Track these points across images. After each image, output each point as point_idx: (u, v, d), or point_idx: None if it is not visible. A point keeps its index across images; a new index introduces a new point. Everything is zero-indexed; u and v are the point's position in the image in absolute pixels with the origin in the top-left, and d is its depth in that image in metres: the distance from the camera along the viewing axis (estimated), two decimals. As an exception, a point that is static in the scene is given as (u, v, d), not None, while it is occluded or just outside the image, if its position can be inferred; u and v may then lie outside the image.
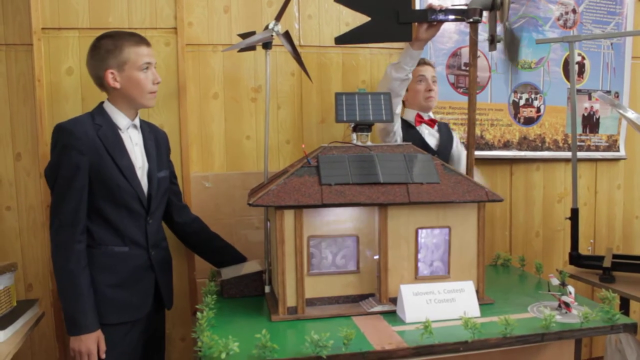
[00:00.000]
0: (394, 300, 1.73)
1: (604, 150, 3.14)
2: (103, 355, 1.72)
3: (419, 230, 1.75)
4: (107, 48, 1.77)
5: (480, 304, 1.71)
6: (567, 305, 1.66)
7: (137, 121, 1.87)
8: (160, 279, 1.87)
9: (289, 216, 1.67)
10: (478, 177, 2.46)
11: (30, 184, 2.32)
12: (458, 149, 2.56)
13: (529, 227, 3.06)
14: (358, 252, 1.77)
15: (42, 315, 2.02)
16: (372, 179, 1.71)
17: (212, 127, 2.53)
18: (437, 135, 2.50)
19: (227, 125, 2.55)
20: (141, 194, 1.80)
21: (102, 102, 1.85)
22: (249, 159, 2.58)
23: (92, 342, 1.69)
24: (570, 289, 1.70)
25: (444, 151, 2.44)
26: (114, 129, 1.79)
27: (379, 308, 1.71)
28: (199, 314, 1.59)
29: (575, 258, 2.41)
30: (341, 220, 1.75)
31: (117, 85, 1.78)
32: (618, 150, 3.16)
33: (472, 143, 2.10)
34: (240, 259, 2.14)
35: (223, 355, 1.36)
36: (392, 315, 1.68)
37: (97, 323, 1.70)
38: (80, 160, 1.69)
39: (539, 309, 1.70)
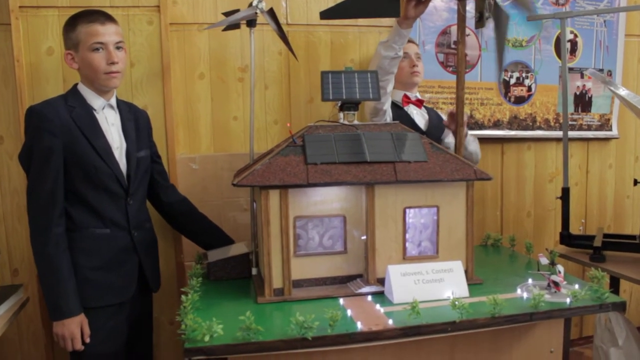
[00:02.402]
0: (382, 281, 1.70)
1: (596, 130, 3.11)
2: (87, 340, 1.70)
3: (407, 210, 1.73)
4: (66, 28, 1.75)
5: (469, 284, 1.69)
6: (556, 284, 1.64)
7: (113, 101, 1.82)
8: (144, 260, 1.84)
9: (274, 196, 1.64)
10: (475, 144, 2.42)
11: (13, 168, 2.27)
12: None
13: (520, 207, 3.04)
14: (345, 233, 1.74)
15: (27, 300, 1.99)
16: (358, 158, 1.68)
17: (198, 108, 2.48)
18: (426, 116, 2.47)
19: (214, 106, 2.50)
20: (119, 175, 1.76)
21: (76, 84, 1.80)
22: (236, 140, 2.54)
23: (75, 326, 1.66)
24: (560, 268, 1.68)
25: (433, 132, 2.41)
26: (88, 110, 1.74)
27: (366, 289, 1.69)
28: (183, 297, 1.56)
29: (566, 237, 2.40)
30: (328, 200, 1.72)
31: (75, 66, 1.76)
32: (610, 130, 3.14)
33: (460, 121, 2.06)
34: (228, 241, 2.11)
35: (206, 338, 1.34)
36: (380, 297, 1.66)
37: (79, 307, 1.67)
38: (53, 142, 1.65)
39: (528, 289, 1.69)
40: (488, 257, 2.16)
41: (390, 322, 1.44)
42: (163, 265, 2.26)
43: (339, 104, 1.84)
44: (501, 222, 3.02)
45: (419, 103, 2.44)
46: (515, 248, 2.25)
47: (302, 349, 1.37)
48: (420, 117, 2.43)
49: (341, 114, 1.84)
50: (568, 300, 1.57)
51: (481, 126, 2.89)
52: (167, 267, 2.28)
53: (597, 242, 2.23)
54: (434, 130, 2.40)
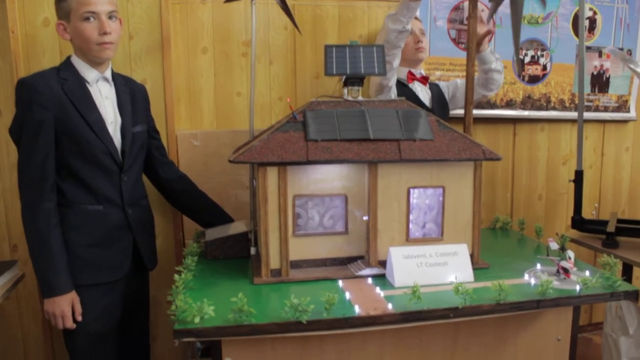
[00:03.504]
0: (383, 264, 1.64)
1: (613, 111, 3.00)
2: (79, 318, 1.66)
3: (411, 190, 1.65)
4: None
5: (474, 269, 1.62)
6: (565, 270, 1.56)
7: (107, 74, 1.75)
8: (139, 239, 1.79)
9: (272, 173, 1.58)
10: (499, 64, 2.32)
11: (12, 142, 2.22)
12: (457, 86, 2.44)
13: (531, 189, 2.95)
14: (346, 213, 1.68)
15: (22, 276, 1.96)
16: (361, 135, 1.60)
17: (200, 83, 2.42)
18: (429, 93, 2.38)
19: (217, 81, 2.44)
20: (113, 150, 1.70)
21: (70, 56, 1.74)
22: (239, 116, 2.48)
23: (66, 304, 1.62)
24: (570, 253, 1.60)
25: (437, 110, 2.32)
26: (81, 82, 1.68)
27: (367, 271, 1.62)
28: (176, 276, 1.51)
29: (578, 222, 2.31)
30: (329, 178, 1.66)
31: (67, 36, 1.69)
32: (628, 111, 3.02)
33: (470, 99, 1.97)
34: (227, 219, 2.06)
35: (197, 320, 1.29)
36: (381, 279, 1.60)
37: (70, 284, 1.63)
38: (44, 115, 1.59)
39: (536, 274, 1.61)
40: (496, 240, 2.09)
41: (390, 306, 1.38)
42: (162, 242, 2.22)
43: (343, 79, 1.76)
44: (511, 205, 2.93)
45: (424, 80, 2.35)
46: (525, 232, 2.17)
47: (297, 332, 1.32)
48: (424, 94, 2.34)
49: (345, 90, 1.77)
50: (577, 287, 1.50)
51: (493, 106, 2.80)
52: (166, 245, 2.23)
53: (611, 228, 2.14)
54: (437, 107, 2.31)
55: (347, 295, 1.46)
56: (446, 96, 2.42)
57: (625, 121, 3.05)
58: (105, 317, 1.73)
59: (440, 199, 1.68)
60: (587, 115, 2.88)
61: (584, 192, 2.72)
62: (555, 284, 1.52)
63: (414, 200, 1.68)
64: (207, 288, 1.56)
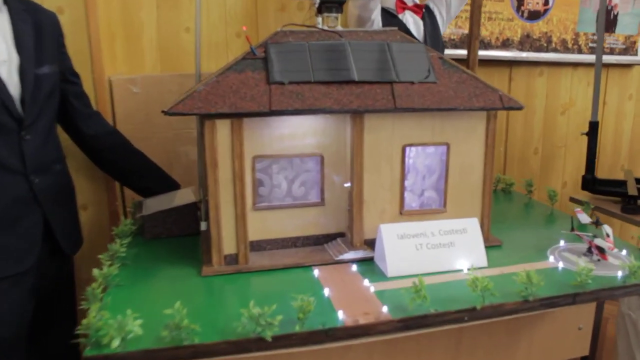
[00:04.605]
0: (371, 243, 1.27)
1: (619, 54, 2.65)
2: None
3: (407, 148, 1.27)
4: None
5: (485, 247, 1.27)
6: (601, 251, 1.23)
7: None
8: (51, 215, 1.36)
9: (222, 129, 1.17)
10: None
11: None
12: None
13: (527, 142, 2.61)
14: (322, 178, 1.30)
15: None
16: (342, 76, 1.20)
17: (140, 16, 1.96)
18: (421, 27, 1.95)
19: (161, 14, 1.99)
20: (7, 99, 1.25)
21: None
22: (189, 57, 2.04)
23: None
24: (607, 229, 1.26)
25: (432, 44, 1.91)
26: None
27: (350, 255, 1.26)
28: (95, 272, 1.12)
29: (590, 182, 1.98)
30: (299, 133, 1.26)
31: None
32: (635, 54, 2.68)
33: (475, 32, 1.58)
34: (172, 185, 1.65)
35: (115, 343, 0.90)
36: (368, 265, 1.24)
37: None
38: None
39: (562, 255, 1.27)
40: (499, 206, 1.74)
41: (385, 309, 1.02)
42: (93, 215, 1.80)
43: (317, 5, 1.34)
44: (504, 160, 2.60)
45: (417, 9, 1.92)
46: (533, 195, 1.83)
47: (259, 352, 0.95)
48: (416, 27, 1.91)
49: (319, 19, 1.35)
50: (619, 274, 1.17)
51: (487, 45, 2.41)
52: (99, 218, 1.81)
53: (632, 190, 1.82)
54: (432, 42, 1.90)
55: (326, 292, 1.09)
56: (440, 25, 1.98)
57: (630, 65, 2.71)
58: (10, 322, 1.31)
59: (444, 159, 1.31)
60: (588, 57, 2.54)
61: (580, 146, 2.41)
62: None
63: (410, 161, 1.31)
64: (139, 285, 1.17)
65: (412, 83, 1.23)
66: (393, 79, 1.22)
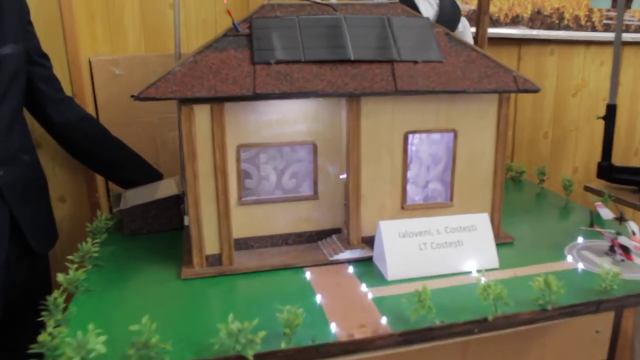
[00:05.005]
0: (369, 241, 1.15)
1: (635, 31, 2.49)
2: None
3: (410, 136, 1.14)
4: None
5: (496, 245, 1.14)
6: (626, 251, 1.10)
7: None
8: (18, 211, 1.23)
9: (201, 115, 1.04)
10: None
11: None
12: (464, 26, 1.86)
13: (536, 125, 2.47)
14: (315, 169, 1.17)
15: None
16: (337, 55, 1.06)
17: (121, -9, 1.81)
18: (435, 6, 1.78)
19: (144, -11, 1.84)
20: None
21: None
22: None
23: None
24: (633, 226, 1.14)
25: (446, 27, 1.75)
26: None
27: (346, 255, 1.13)
28: (60, 277, 1.00)
29: (606, 170, 1.84)
30: (289, 119, 1.13)
31: None
32: (652, 30, 2.52)
33: (485, 7, 1.43)
34: (154, 175, 1.53)
35: (73, 364, 0.78)
36: (366, 265, 1.12)
37: None
38: None
39: (582, 254, 1.15)
40: (509, 197, 1.61)
41: (384, 321, 0.90)
42: (71, 208, 1.67)
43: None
44: (512, 144, 2.46)
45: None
46: (546, 184, 1.70)
47: (239, 372, 0.83)
48: (427, 5, 1.75)
49: (312, -9, 1.20)
50: (648, 275, 1.04)
51: (495, 23, 2.26)
52: (78, 211, 1.68)
53: (654, 178, 1.69)
54: (447, 23, 1.74)
55: (319, 299, 0.97)
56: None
57: (646, 43, 2.55)
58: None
59: (450, 147, 1.17)
60: (603, 35, 2.39)
61: (592, 130, 2.27)
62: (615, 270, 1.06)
63: (412, 150, 1.17)
64: (111, 291, 1.04)
65: (415, 62, 1.09)
66: (394, 58, 1.08)
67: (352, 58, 1.06)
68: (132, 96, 1.00)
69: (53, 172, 1.59)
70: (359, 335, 0.86)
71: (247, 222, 1.16)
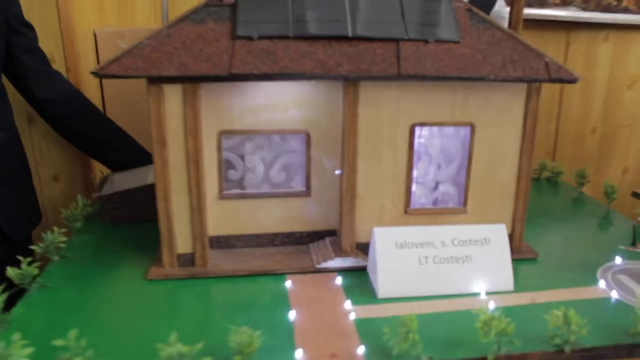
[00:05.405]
0: (365, 248, 1.00)
1: None
2: None
3: (417, 128, 0.97)
4: None
5: (514, 260, 0.97)
6: (675, 277, 0.91)
7: None
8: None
9: (172, 96, 0.90)
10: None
11: None
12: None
13: (584, 120, 2.23)
14: (309, 161, 1.02)
15: None
16: (332, 30, 0.90)
17: (130, -44, 1.70)
18: None
19: (154, -45, 1.72)
20: None
21: None
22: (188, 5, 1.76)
23: None
24: (686, 248, 0.94)
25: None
26: None
27: (336, 263, 0.99)
28: (9, 271, 0.90)
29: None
30: (279, 105, 0.98)
31: None
32: None
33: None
34: (145, 158, 1.41)
35: (-17, 379, 0.67)
36: (358, 276, 0.97)
37: None
38: None
39: (618, 279, 0.96)
40: (540, 201, 1.41)
41: (361, 351, 0.75)
42: (64, 188, 1.59)
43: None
44: (555, 140, 2.24)
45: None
46: (586, 188, 1.49)
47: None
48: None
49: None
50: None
51: (543, 4, 2.02)
52: (71, 192, 1.59)
53: None
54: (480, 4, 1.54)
55: (292, 316, 0.83)
56: None
57: None
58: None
59: (466, 144, 1.00)
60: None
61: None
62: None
63: (421, 146, 1.01)
64: (67, 289, 0.94)
65: (426, 42, 0.92)
66: (400, 36, 0.91)
67: (350, 34, 0.90)
68: (92, 72, 0.87)
69: (47, 150, 1.51)
70: (325, 369, 0.72)
71: (229, 218, 1.03)
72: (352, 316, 0.84)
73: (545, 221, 1.25)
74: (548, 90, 2.13)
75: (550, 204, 1.38)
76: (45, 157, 1.50)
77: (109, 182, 1.29)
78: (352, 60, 0.88)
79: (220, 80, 0.87)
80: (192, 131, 0.92)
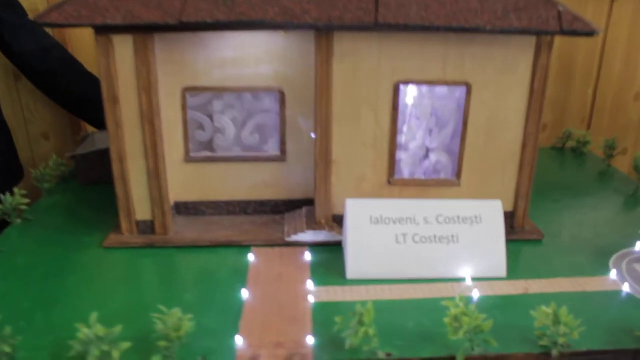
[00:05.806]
0: (341, 221, 0.89)
1: None
2: None
3: (402, 87, 0.85)
4: None
5: (515, 240, 0.85)
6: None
7: None
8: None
9: (122, 48, 0.81)
10: None
11: None
12: None
13: (625, 84, 2.01)
14: (283, 123, 0.92)
15: None
16: (302, -29, 0.78)
17: None
18: None
19: None
20: None
21: None
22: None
23: None
24: None
25: None
26: None
27: (307, 236, 0.89)
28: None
29: None
30: (250, 59, 0.88)
31: None
32: None
33: None
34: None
35: None
36: (330, 252, 0.87)
37: None
38: None
39: (633, 269, 0.83)
40: (562, 172, 1.27)
41: (309, 342, 0.65)
42: (56, 146, 1.53)
43: None
44: (592, 107, 2.03)
45: None
46: (614, 160, 1.33)
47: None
48: None
49: None
50: None
51: (586, -49, 1.80)
52: (64, 149, 1.53)
53: None
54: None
55: (244, 295, 0.74)
56: None
57: None
58: None
59: (462, 106, 0.87)
60: None
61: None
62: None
63: (408, 106, 0.88)
64: (18, 254, 0.88)
65: (413, -15, 0.78)
66: (381, -22, 0.78)
67: (321, -25, 0.77)
68: (31, 20, 0.78)
69: (34, 107, 1.45)
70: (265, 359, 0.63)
71: (197, 182, 0.95)
72: (311, 300, 0.74)
73: (562, 197, 1.11)
74: (587, 49, 1.93)
75: (572, 178, 1.23)
76: (34, 114, 1.45)
77: (90, 141, 1.22)
78: (321, 6, 0.76)
79: (172, 29, 0.77)
80: (146, 87, 0.82)
